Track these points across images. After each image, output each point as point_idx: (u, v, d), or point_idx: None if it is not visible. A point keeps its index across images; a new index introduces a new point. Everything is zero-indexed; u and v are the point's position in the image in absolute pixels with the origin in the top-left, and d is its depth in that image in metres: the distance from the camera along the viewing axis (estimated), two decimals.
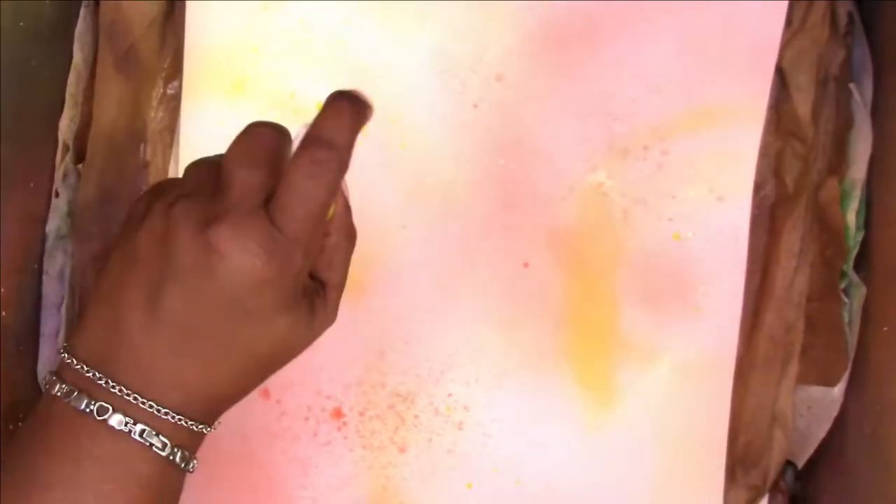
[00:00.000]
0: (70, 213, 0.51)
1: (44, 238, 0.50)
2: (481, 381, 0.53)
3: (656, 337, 0.52)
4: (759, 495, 0.53)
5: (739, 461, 0.53)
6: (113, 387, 0.35)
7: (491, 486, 0.53)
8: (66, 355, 0.36)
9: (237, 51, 0.52)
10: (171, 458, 0.36)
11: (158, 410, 0.35)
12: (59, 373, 0.36)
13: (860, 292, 0.49)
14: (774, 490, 0.54)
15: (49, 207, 0.50)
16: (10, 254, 0.47)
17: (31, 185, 0.48)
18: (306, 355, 0.52)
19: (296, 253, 0.35)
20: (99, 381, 0.35)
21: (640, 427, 0.53)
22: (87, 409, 0.35)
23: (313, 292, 0.39)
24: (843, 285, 0.49)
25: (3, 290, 0.46)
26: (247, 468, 0.52)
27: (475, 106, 0.52)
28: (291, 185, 0.35)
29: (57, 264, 0.51)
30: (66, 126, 0.50)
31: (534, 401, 0.53)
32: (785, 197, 0.52)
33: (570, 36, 0.51)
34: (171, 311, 0.35)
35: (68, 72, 0.50)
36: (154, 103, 0.53)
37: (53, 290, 0.51)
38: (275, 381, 0.52)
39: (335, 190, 0.36)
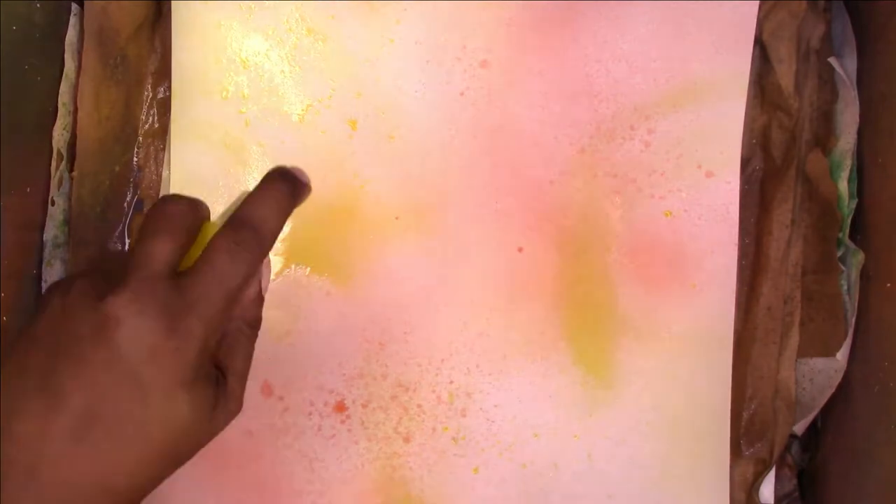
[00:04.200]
0: (66, 222, 0.52)
1: (41, 246, 0.50)
2: (482, 368, 0.53)
3: (654, 314, 0.53)
4: (767, 468, 0.53)
5: (744, 435, 0.53)
6: None
7: (497, 470, 0.53)
8: None
9: (224, 51, 0.53)
10: None
11: None
12: None
13: (857, 258, 0.49)
14: (781, 464, 0.54)
15: (45, 215, 0.50)
16: (9, 260, 0.47)
17: (28, 190, 0.49)
18: (306, 351, 0.53)
19: (197, 327, 0.34)
20: None
21: (642, 405, 0.53)
22: None
23: (215, 381, 0.37)
24: (839, 254, 0.50)
25: (2, 295, 0.46)
26: (252, 466, 0.52)
27: (462, 94, 0.52)
28: (209, 261, 0.34)
29: (55, 273, 0.51)
30: (60, 134, 0.51)
31: (535, 384, 0.53)
32: (773, 170, 0.52)
33: (550, 19, 0.52)
34: (70, 393, 0.32)
35: (60, 78, 0.50)
36: (144, 107, 0.54)
37: None
38: (276, 377, 0.53)
39: (252, 273, 0.35)
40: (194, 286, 0.34)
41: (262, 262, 0.36)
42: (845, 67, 0.51)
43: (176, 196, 0.37)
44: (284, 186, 0.37)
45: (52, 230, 0.51)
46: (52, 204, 0.51)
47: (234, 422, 0.51)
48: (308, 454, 0.52)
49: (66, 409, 0.32)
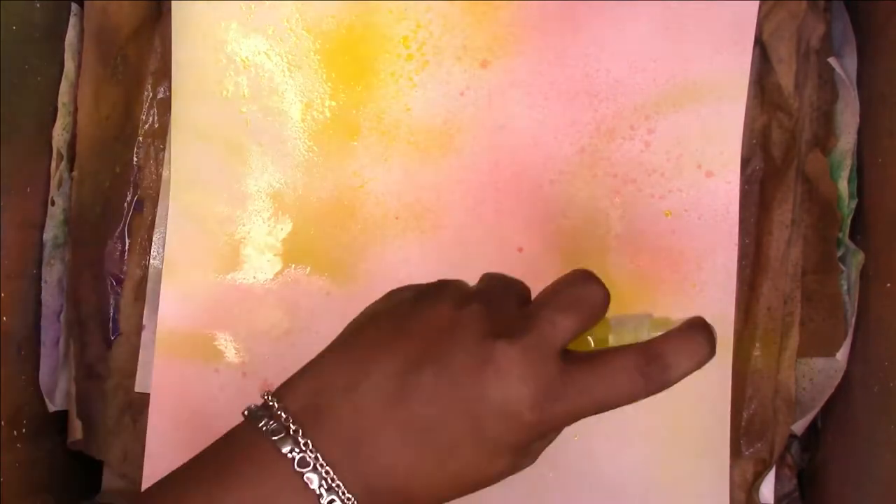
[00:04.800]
0: (66, 222, 0.52)
1: (41, 245, 0.51)
2: None
3: (654, 314, 0.52)
4: (767, 468, 0.53)
5: (744, 435, 0.53)
6: (311, 450, 0.33)
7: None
8: (270, 398, 0.35)
9: (224, 51, 0.53)
10: None
11: (343, 493, 0.33)
12: (266, 409, 0.34)
13: (857, 259, 0.49)
14: (781, 464, 0.54)
15: (46, 214, 0.50)
16: (9, 259, 0.47)
17: (28, 190, 0.49)
18: (306, 350, 0.52)
19: (561, 418, 0.34)
20: (296, 437, 0.33)
21: (642, 406, 0.52)
22: (290, 455, 0.33)
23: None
24: (839, 254, 0.50)
25: (3, 295, 0.46)
26: None
27: (462, 94, 0.52)
28: (610, 371, 0.35)
29: (55, 273, 0.51)
30: (60, 134, 0.51)
31: None
32: (773, 170, 0.52)
33: (550, 19, 0.52)
34: (419, 397, 0.34)
35: (60, 78, 0.50)
36: (144, 107, 0.54)
37: (53, 298, 0.52)
38: (276, 377, 0.52)
39: (636, 400, 0.36)
40: (580, 382, 0.34)
41: (651, 395, 0.36)
42: (845, 67, 0.51)
43: (599, 282, 0.37)
44: (707, 348, 0.36)
45: (52, 230, 0.51)
46: (52, 204, 0.51)
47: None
48: None
49: (411, 409, 0.34)
